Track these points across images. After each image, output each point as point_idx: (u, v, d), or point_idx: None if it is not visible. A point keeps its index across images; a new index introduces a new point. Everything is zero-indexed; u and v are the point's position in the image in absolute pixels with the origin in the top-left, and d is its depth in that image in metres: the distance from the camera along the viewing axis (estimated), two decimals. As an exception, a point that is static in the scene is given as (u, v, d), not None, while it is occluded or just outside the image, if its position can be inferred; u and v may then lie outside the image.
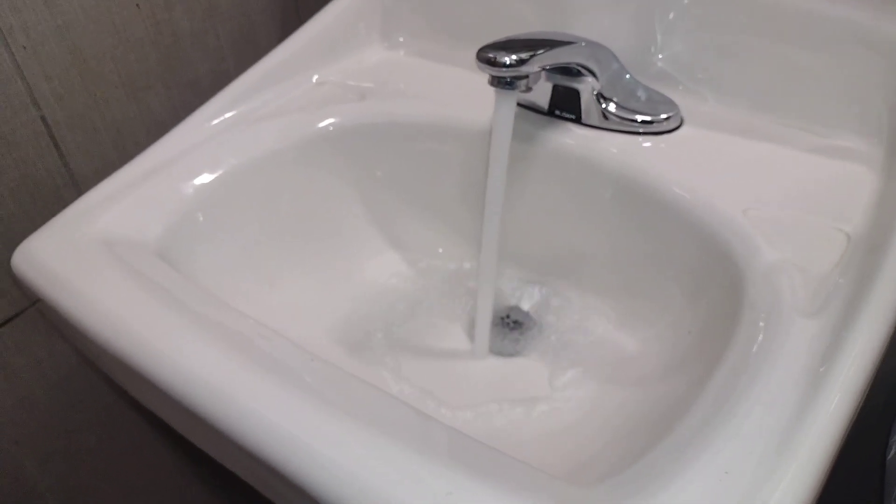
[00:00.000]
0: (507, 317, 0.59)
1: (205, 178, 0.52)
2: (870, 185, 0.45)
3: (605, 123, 0.52)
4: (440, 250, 0.62)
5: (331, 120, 0.56)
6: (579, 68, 0.50)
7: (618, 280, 0.53)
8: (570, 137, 0.53)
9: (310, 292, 0.57)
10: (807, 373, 0.33)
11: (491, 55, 0.44)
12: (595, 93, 0.51)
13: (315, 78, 0.62)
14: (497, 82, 0.45)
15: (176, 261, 0.48)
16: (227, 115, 0.58)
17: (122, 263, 0.44)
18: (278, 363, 0.36)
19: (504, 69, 0.44)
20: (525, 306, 0.59)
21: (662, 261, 0.49)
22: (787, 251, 0.40)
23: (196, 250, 0.51)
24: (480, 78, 0.46)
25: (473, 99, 0.55)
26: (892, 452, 0.46)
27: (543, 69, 0.50)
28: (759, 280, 0.39)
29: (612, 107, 0.52)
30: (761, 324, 0.37)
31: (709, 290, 0.44)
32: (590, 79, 0.51)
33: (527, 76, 0.45)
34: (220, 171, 0.53)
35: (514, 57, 0.44)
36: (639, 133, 0.52)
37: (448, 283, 0.61)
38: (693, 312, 0.46)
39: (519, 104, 0.56)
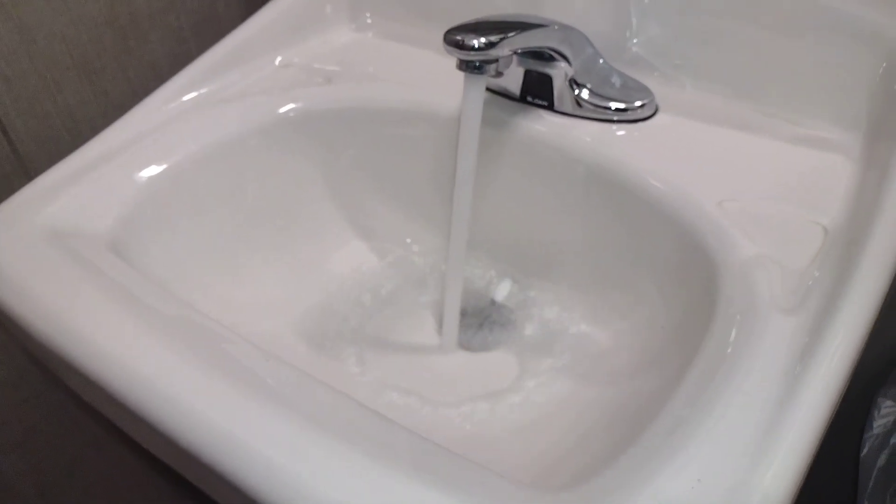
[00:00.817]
0: (479, 310, 0.57)
1: (161, 165, 0.50)
2: (847, 176, 0.44)
3: (579, 111, 0.50)
4: (409, 240, 0.60)
5: (294, 104, 0.54)
6: (552, 53, 0.48)
7: (591, 272, 0.52)
8: (541, 125, 0.51)
9: (274, 284, 0.55)
10: (784, 372, 0.32)
11: (459, 38, 0.42)
12: (568, 78, 0.50)
13: (279, 60, 0.60)
14: (465, 66, 0.43)
15: (130, 253, 0.45)
16: (186, 97, 0.55)
17: (69, 256, 0.42)
18: (229, 362, 0.34)
19: (472, 52, 0.42)
20: (496, 298, 0.57)
21: (636, 254, 0.48)
22: (764, 245, 0.39)
23: (152, 241, 0.48)
24: (451, 61, 0.44)
25: (444, 82, 0.53)
26: (866, 450, 0.45)
27: (514, 53, 0.48)
28: (735, 275, 0.37)
29: (585, 93, 0.50)
30: (737, 319, 0.35)
31: (683, 284, 0.43)
32: (562, 64, 0.49)
33: (496, 60, 0.43)
34: (177, 157, 0.50)
35: (482, 40, 0.42)
36: (613, 121, 0.50)
37: (418, 275, 0.59)
38: (667, 307, 0.45)
39: (490, 90, 0.54)
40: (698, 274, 0.41)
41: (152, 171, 0.49)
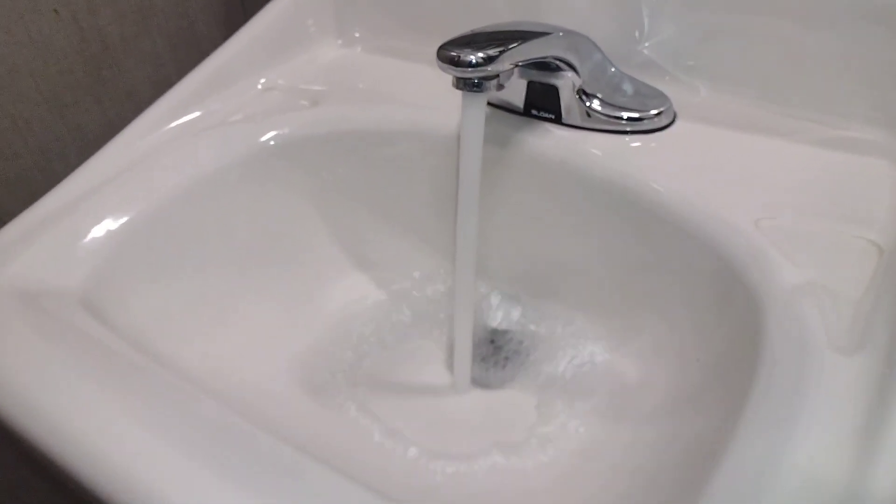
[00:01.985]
0: (491, 342, 0.53)
1: (137, 207, 0.45)
2: (893, 183, 0.39)
3: (589, 122, 0.46)
4: (413, 269, 0.55)
5: (277, 131, 0.50)
6: (557, 62, 0.43)
7: (612, 300, 0.47)
8: (549, 140, 0.46)
9: (266, 326, 0.51)
10: (854, 429, 0.27)
11: (454, 53, 0.37)
12: (576, 89, 0.45)
13: (262, 82, 0.56)
14: (463, 84, 0.39)
15: (105, 308, 0.41)
16: (164, 128, 0.51)
17: (34, 319, 0.38)
18: (213, 449, 0.30)
19: (470, 69, 0.37)
20: (509, 328, 0.53)
21: (662, 280, 0.43)
22: (811, 270, 0.34)
23: (130, 293, 0.44)
24: (447, 74, 0.39)
25: (441, 98, 0.49)
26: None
27: (516, 66, 0.43)
28: (781, 307, 0.33)
29: (595, 103, 0.45)
30: (788, 363, 0.31)
31: (720, 314, 0.39)
32: (569, 73, 0.44)
33: (497, 75, 0.39)
34: (154, 198, 0.46)
35: (480, 55, 0.37)
36: (626, 132, 0.46)
37: (423, 306, 0.55)
38: (702, 339, 0.41)
39: (491, 104, 0.49)
40: (738, 304, 0.36)
41: (127, 214, 0.45)
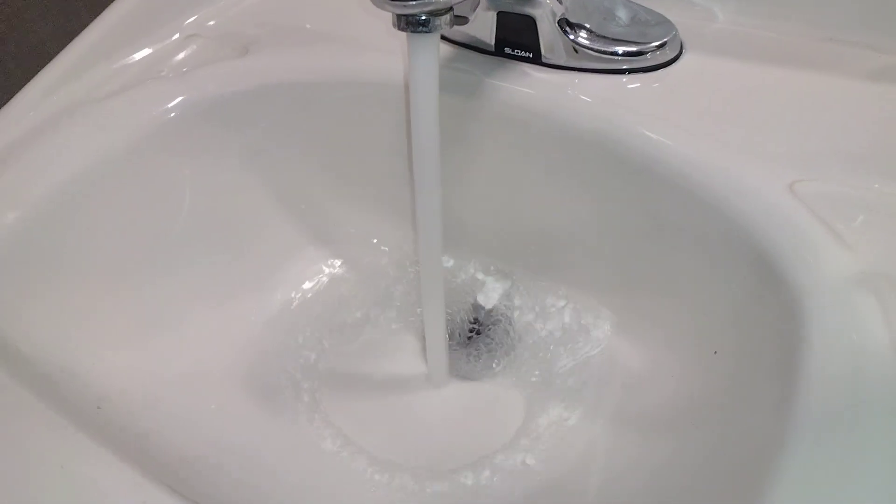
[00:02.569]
0: (474, 324, 0.45)
1: (27, 195, 0.37)
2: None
3: (575, 60, 0.37)
4: (378, 242, 0.47)
5: (195, 91, 0.41)
6: (530, -14, 0.34)
7: (612, 277, 0.40)
8: (526, 84, 0.38)
9: (209, 322, 0.43)
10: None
11: (389, -17, 0.28)
12: (557, 18, 0.36)
13: (183, 28, 0.46)
14: (405, 24, 0.30)
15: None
16: (63, 91, 0.42)
17: None
18: None
19: (412, 3, 0.28)
20: (494, 309, 0.45)
21: (670, 255, 0.35)
22: (868, 252, 0.26)
23: (23, 303, 0.36)
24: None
25: (401, 38, 0.40)
26: None
27: (480, -8, 0.34)
28: (829, 308, 0.25)
29: (582, 36, 0.36)
30: (844, 385, 0.23)
31: (744, 303, 0.31)
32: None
33: (449, 8, 0.30)
34: (49, 182, 0.38)
35: (424, -18, 0.28)
36: (622, 70, 0.37)
37: (393, 285, 0.47)
38: (721, 328, 0.33)
39: (454, 41, 0.40)
40: (771, 292, 0.28)
41: (15, 205, 0.36)
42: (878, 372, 0.23)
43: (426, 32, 0.30)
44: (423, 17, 0.29)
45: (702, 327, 0.34)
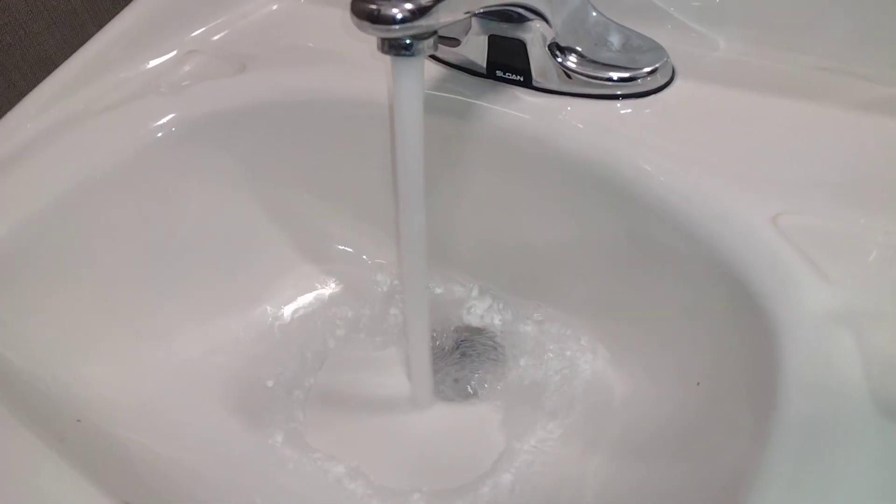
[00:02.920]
0: (460, 345, 0.45)
1: (21, 208, 0.37)
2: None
3: (566, 85, 0.37)
4: (368, 261, 0.47)
5: (190, 107, 0.41)
6: (519, 10, 0.34)
7: (600, 302, 0.39)
8: (517, 108, 0.37)
9: (197, 338, 0.43)
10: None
11: (372, 6, 0.28)
12: (547, 43, 0.36)
13: (184, 44, 0.47)
14: (388, 47, 0.30)
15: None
16: (63, 104, 0.43)
17: None
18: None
19: (395, 27, 0.28)
20: (482, 329, 0.45)
21: (656, 284, 0.35)
22: (848, 288, 0.26)
23: (16, 312, 0.36)
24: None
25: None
26: None
27: (471, 15, 0.34)
28: (805, 343, 0.24)
29: (573, 60, 0.36)
30: (812, 426, 0.22)
31: (726, 335, 0.30)
32: (537, 23, 0.35)
33: (433, 32, 0.30)
34: (44, 195, 0.38)
35: (407, 6, 0.28)
36: (615, 96, 0.36)
37: (381, 301, 0.47)
38: (704, 360, 0.32)
39: (447, 63, 0.40)
40: (750, 325, 0.28)
41: (3, 221, 0.37)
42: (852, 410, 0.22)
43: (409, 56, 0.30)
44: (407, 41, 0.29)
45: (684, 356, 0.34)
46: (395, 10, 0.28)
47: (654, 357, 0.36)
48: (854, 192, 0.29)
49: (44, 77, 0.52)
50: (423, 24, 0.29)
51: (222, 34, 0.47)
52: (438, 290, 0.46)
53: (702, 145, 0.33)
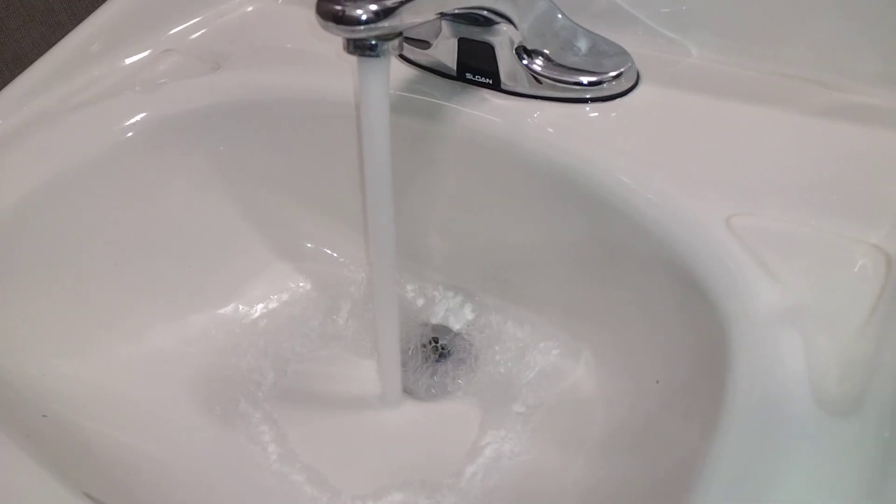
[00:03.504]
0: (431, 342, 0.45)
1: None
2: (909, 163, 0.31)
3: (534, 88, 0.38)
4: (340, 259, 0.48)
5: (163, 105, 0.41)
6: (487, 14, 0.35)
7: (566, 301, 0.40)
8: (486, 111, 0.38)
9: (166, 335, 0.43)
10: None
11: (337, 7, 0.29)
12: (515, 46, 0.37)
13: (160, 42, 0.47)
14: (354, 48, 0.30)
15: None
16: (37, 100, 0.43)
17: None
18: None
19: (360, 27, 0.29)
20: (452, 329, 0.45)
21: (619, 285, 0.35)
22: (795, 288, 0.26)
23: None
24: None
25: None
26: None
27: (439, 17, 0.35)
28: (752, 341, 0.25)
29: (539, 63, 0.37)
30: (755, 421, 0.23)
31: (682, 335, 0.31)
32: (504, 27, 0.36)
33: (398, 34, 0.30)
34: (13, 191, 0.38)
35: (372, 7, 0.29)
36: (582, 100, 0.37)
37: (352, 300, 0.47)
38: (663, 360, 0.33)
39: (418, 65, 0.41)
40: (704, 324, 0.28)
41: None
42: (795, 404, 0.23)
43: (374, 57, 0.30)
44: (372, 42, 0.30)
45: (645, 355, 0.34)
46: (359, 12, 0.28)
47: (616, 355, 0.37)
48: (807, 194, 0.30)
49: (19, 74, 0.52)
50: (388, 25, 0.29)
51: (198, 33, 0.48)
52: (409, 289, 0.46)
53: (662, 148, 0.33)
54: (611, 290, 0.37)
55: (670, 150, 0.33)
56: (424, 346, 0.45)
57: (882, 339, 0.24)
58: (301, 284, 0.47)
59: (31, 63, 0.51)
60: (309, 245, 0.47)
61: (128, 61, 0.46)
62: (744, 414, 0.23)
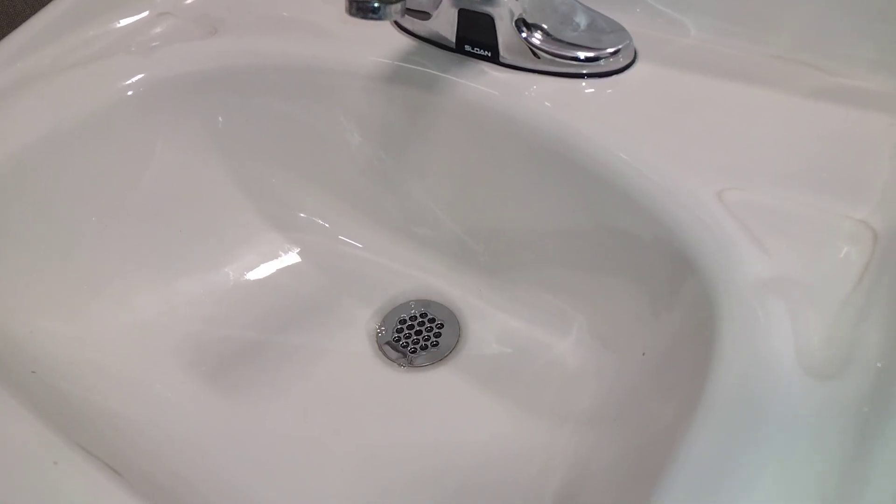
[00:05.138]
0: (423, 315, 0.45)
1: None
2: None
3: (532, 62, 0.38)
4: (328, 226, 0.48)
5: (160, 68, 0.41)
6: (489, -16, 0.35)
7: (560, 273, 0.40)
8: (483, 83, 0.38)
9: (156, 297, 0.43)
10: (819, 483, 0.20)
11: (341, -32, 0.29)
12: (515, 18, 0.37)
13: (155, 6, 0.47)
14: (356, 9, 0.30)
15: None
16: (31, 59, 0.43)
17: None
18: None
19: (362, -11, 0.29)
20: (440, 301, 0.46)
21: (609, 257, 0.36)
22: (783, 259, 0.27)
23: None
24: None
25: (369, 27, 0.41)
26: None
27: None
28: (739, 310, 0.26)
29: (537, 37, 0.37)
30: (740, 387, 0.24)
31: (670, 306, 0.31)
32: (506, -1, 0.36)
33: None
34: (7, 150, 0.38)
35: (376, -31, 0.29)
36: (579, 75, 0.37)
37: (343, 270, 0.47)
38: (649, 332, 0.33)
39: (418, 36, 0.41)
40: (691, 296, 0.29)
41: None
42: (780, 373, 0.23)
43: (377, 19, 0.30)
44: (375, 4, 0.30)
45: (632, 330, 0.35)
46: (362, -27, 0.29)
47: (609, 328, 0.38)
48: (798, 172, 0.30)
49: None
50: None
51: (192, -1, 0.47)
52: (399, 260, 0.46)
53: (657, 125, 0.34)
54: (602, 262, 0.37)
55: (665, 126, 0.34)
56: (413, 318, 0.45)
57: (866, 307, 0.24)
58: (293, 254, 0.47)
59: (24, 21, 0.51)
60: (302, 215, 0.47)
61: (123, 23, 0.45)
62: (730, 379, 0.24)
